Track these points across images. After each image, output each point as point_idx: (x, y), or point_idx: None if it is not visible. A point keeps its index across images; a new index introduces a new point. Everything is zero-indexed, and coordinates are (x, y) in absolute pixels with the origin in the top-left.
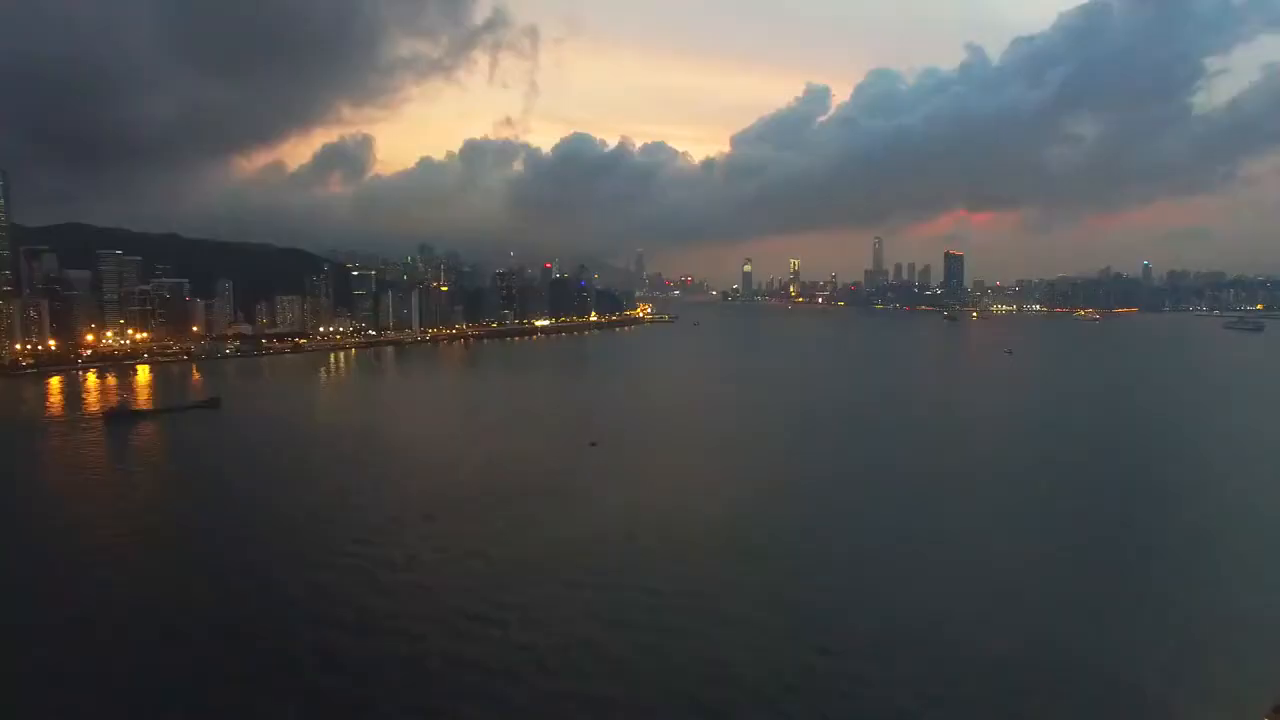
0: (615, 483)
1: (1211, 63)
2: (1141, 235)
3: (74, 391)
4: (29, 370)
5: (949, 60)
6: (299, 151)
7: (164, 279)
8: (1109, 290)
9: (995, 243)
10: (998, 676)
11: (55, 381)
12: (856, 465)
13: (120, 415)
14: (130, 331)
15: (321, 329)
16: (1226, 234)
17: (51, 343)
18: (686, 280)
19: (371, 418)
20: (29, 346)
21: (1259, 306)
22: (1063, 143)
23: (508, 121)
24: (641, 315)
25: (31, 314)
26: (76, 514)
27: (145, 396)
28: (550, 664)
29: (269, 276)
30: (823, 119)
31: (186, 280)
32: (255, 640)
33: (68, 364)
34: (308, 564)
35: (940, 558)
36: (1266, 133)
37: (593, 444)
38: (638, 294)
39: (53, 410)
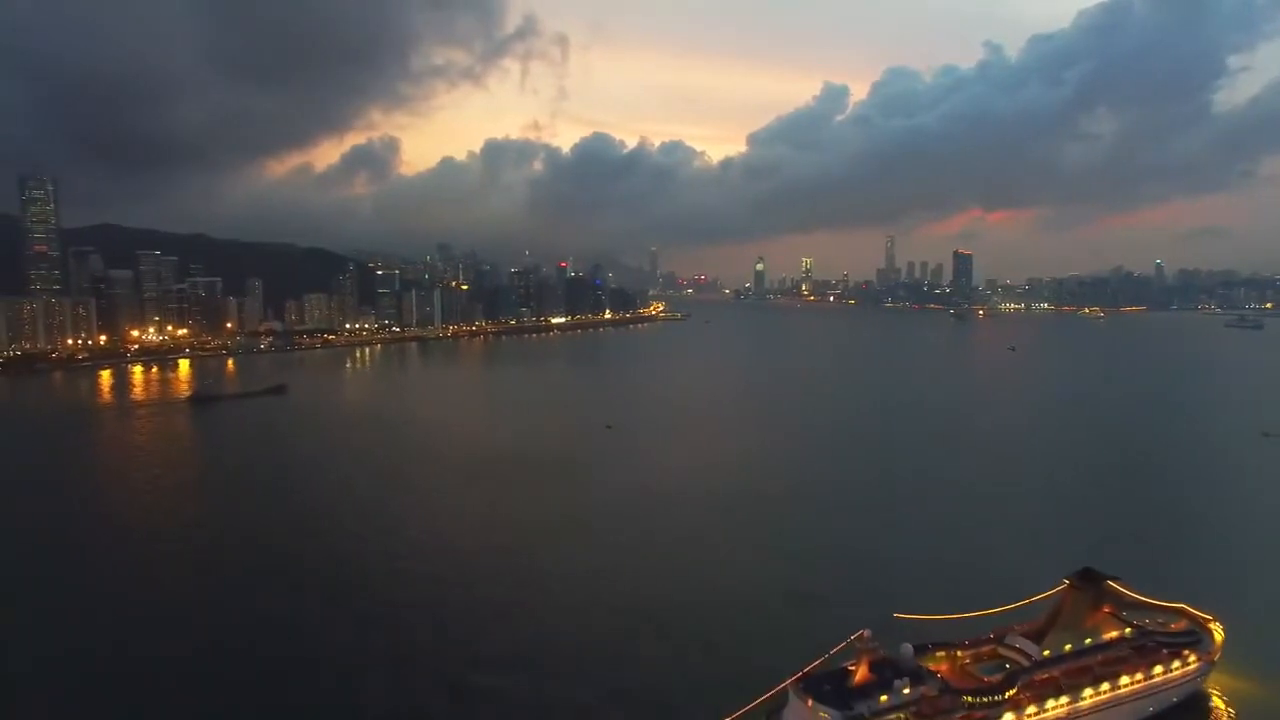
0: (626, 461)
1: (1235, 60)
2: (1156, 234)
3: (133, 382)
4: (84, 363)
5: (967, 58)
6: (329, 154)
7: (198, 278)
8: (1118, 289)
9: (1009, 241)
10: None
11: (106, 374)
12: (849, 453)
13: (203, 399)
14: (169, 328)
15: (348, 325)
16: (1244, 232)
17: (101, 338)
18: (700, 279)
19: (411, 404)
20: (80, 342)
21: (1267, 305)
22: (1079, 141)
23: (535, 125)
24: (655, 313)
25: (80, 311)
26: (192, 471)
27: (214, 385)
28: (551, 602)
29: (294, 275)
30: (840, 118)
31: (220, 279)
32: (301, 578)
33: (117, 357)
34: (363, 525)
35: (912, 525)
36: None
37: (608, 427)
38: (651, 292)
39: (134, 397)
